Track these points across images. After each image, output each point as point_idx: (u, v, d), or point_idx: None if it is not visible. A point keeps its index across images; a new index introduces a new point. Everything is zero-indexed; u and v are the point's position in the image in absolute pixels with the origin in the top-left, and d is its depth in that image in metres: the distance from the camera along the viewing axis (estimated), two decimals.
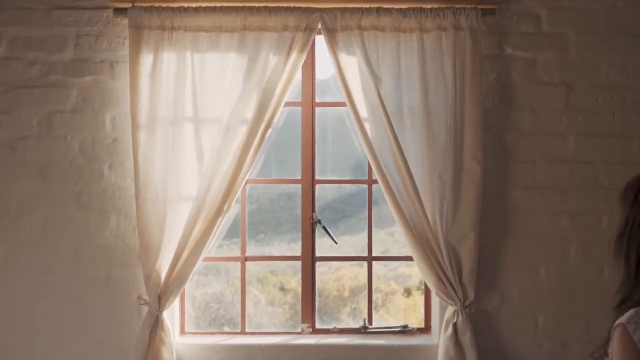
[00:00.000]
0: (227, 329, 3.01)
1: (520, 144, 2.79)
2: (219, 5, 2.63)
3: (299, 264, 2.93)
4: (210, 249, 2.71)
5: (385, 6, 2.64)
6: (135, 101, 2.60)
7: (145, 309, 2.66)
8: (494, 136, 2.79)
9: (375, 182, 2.79)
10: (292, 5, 2.64)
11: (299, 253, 2.92)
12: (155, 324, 2.62)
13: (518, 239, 2.79)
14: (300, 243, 2.92)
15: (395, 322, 2.99)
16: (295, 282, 3.09)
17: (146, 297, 2.65)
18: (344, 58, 2.65)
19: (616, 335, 1.38)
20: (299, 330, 2.93)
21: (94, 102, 2.76)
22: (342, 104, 2.81)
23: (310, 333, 2.91)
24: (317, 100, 2.90)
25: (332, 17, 2.63)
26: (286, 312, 3.11)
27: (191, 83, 2.65)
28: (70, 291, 2.76)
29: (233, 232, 2.95)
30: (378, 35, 2.65)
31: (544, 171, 2.80)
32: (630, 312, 1.38)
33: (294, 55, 2.63)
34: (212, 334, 2.93)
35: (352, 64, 2.67)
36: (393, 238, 3.13)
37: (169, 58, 2.64)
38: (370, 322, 2.92)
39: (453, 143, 2.63)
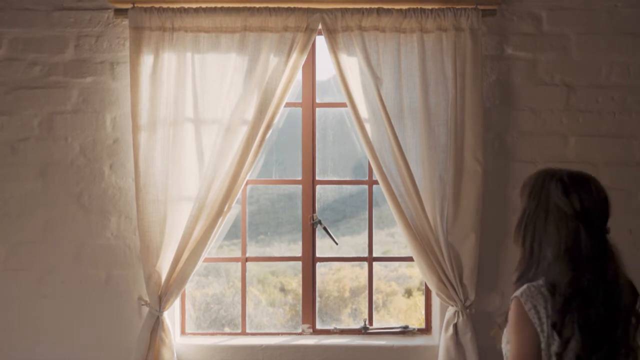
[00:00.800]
0: (227, 330, 3.01)
1: (520, 144, 2.80)
2: (219, 5, 2.63)
3: (299, 264, 2.93)
4: (211, 249, 2.71)
5: (386, 6, 2.64)
6: (136, 102, 2.60)
7: (146, 309, 2.66)
8: (494, 136, 2.79)
9: (376, 182, 2.80)
10: (292, 5, 2.64)
11: (299, 253, 2.92)
12: (156, 325, 2.62)
13: None
14: (300, 243, 2.92)
15: (395, 323, 2.99)
16: (295, 283, 3.09)
17: (146, 298, 2.65)
18: (344, 58, 2.65)
19: (511, 306, 1.59)
20: (300, 330, 2.93)
21: (95, 103, 2.76)
22: (343, 105, 2.82)
23: (311, 333, 2.91)
24: (318, 100, 2.90)
25: (332, 17, 2.63)
26: (286, 312, 3.11)
27: (191, 83, 2.65)
28: (71, 291, 2.76)
29: (233, 233, 2.95)
30: (378, 35, 2.65)
31: None
32: (524, 287, 1.60)
33: (294, 55, 2.63)
34: (213, 334, 2.93)
35: (352, 64, 2.67)
36: (393, 238, 3.13)
37: (169, 58, 2.64)
38: (371, 323, 2.92)
39: (453, 143, 2.63)
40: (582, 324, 1.51)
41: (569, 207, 1.56)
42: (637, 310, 1.58)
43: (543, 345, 1.54)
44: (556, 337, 1.53)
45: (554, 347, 1.53)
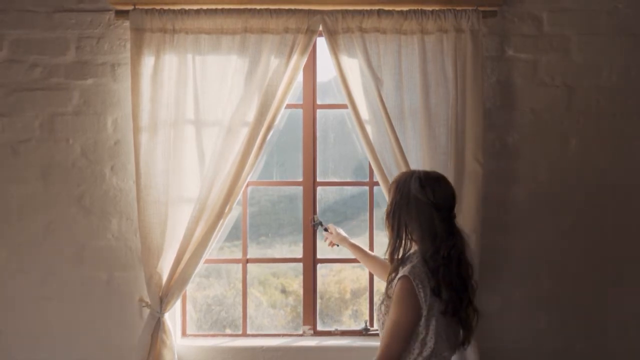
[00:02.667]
0: (228, 331, 3.01)
1: (521, 145, 2.79)
2: (220, 7, 2.64)
3: (300, 265, 2.93)
4: (212, 250, 2.71)
5: (386, 8, 2.64)
6: (137, 103, 2.61)
7: (147, 310, 2.66)
8: (495, 137, 2.79)
9: (377, 183, 2.80)
10: (293, 7, 2.64)
11: (300, 255, 2.92)
12: (157, 326, 2.61)
13: (518, 240, 2.78)
14: (301, 245, 2.92)
15: None
16: (296, 284, 3.09)
17: (147, 299, 2.65)
18: (345, 60, 2.65)
19: (400, 284, 1.92)
20: (301, 332, 2.93)
21: (96, 104, 2.77)
22: (343, 106, 2.82)
23: (312, 335, 2.91)
24: (318, 102, 2.91)
25: (333, 19, 2.64)
26: (287, 313, 3.11)
27: (192, 85, 2.65)
28: (72, 293, 2.76)
29: (234, 234, 2.95)
30: (379, 37, 2.65)
31: (545, 172, 2.80)
32: (408, 267, 1.96)
33: (295, 57, 2.63)
34: (214, 335, 2.93)
35: (353, 65, 2.67)
36: None
37: (170, 60, 2.64)
38: (372, 324, 2.92)
39: (454, 144, 2.63)
40: (448, 286, 1.92)
41: (425, 197, 1.97)
42: (473, 279, 2.02)
43: (424, 312, 1.90)
44: (437, 300, 1.91)
45: (436, 308, 1.90)
